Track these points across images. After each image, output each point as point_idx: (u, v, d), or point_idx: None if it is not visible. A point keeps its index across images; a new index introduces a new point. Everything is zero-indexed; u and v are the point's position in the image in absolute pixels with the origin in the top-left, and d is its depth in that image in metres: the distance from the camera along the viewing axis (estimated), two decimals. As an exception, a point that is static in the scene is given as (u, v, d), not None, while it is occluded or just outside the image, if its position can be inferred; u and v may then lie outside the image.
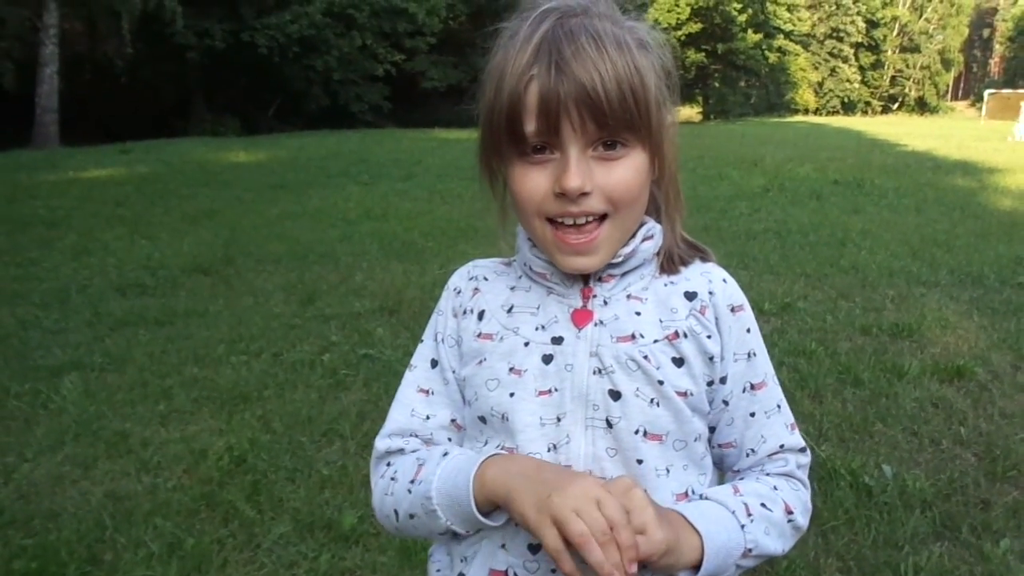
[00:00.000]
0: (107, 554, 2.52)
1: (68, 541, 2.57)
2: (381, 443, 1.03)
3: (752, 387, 1.00)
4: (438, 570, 1.04)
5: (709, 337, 0.97)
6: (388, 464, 1.01)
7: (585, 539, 0.76)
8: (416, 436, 1.02)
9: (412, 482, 0.95)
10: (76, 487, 2.96)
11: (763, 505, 0.96)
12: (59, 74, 20.97)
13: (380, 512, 1.01)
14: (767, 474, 1.01)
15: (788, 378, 3.94)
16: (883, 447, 3.28)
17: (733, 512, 0.93)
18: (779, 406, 1.02)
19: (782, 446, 1.01)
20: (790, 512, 0.98)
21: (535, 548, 0.91)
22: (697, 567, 0.87)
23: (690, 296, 0.99)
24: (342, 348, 4.44)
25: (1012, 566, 2.47)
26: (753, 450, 1.01)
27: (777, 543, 0.96)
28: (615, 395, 0.93)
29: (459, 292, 1.06)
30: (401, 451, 1.01)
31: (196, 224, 8.41)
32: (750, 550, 0.92)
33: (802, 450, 1.03)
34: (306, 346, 4.49)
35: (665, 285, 0.99)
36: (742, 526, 0.92)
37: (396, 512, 0.97)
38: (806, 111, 55.24)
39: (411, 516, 0.95)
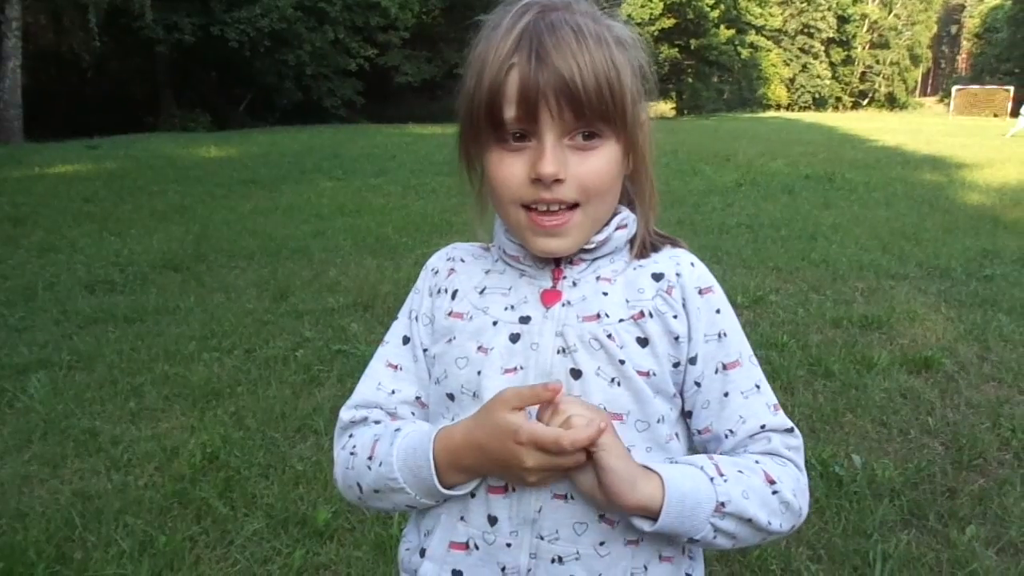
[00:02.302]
0: (77, 553, 2.49)
1: (36, 540, 2.53)
2: (346, 414, 1.05)
3: (724, 367, 0.99)
4: (407, 548, 1.05)
5: (675, 317, 0.97)
6: (350, 436, 1.03)
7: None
8: (381, 408, 1.04)
9: (370, 459, 0.97)
10: (44, 486, 2.92)
11: (739, 471, 0.93)
12: (23, 68, 20.57)
13: (343, 484, 1.03)
14: (749, 452, 0.98)
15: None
16: (853, 437, 3.33)
17: (701, 468, 0.91)
18: (758, 386, 1.00)
19: (763, 426, 0.97)
20: (772, 482, 0.93)
21: (493, 520, 0.94)
22: (658, 515, 0.87)
23: (657, 277, 1.00)
24: (316, 344, 4.42)
25: (978, 552, 2.51)
26: (732, 431, 0.98)
27: (761, 512, 0.91)
28: (576, 374, 0.94)
29: (436, 272, 1.08)
30: (365, 420, 1.04)
31: (166, 220, 8.31)
32: (723, 504, 0.88)
33: (789, 431, 0.99)
34: (279, 342, 4.45)
35: (634, 269, 1.01)
36: (711, 479, 0.90)
37: (359, 485, 0.99)
38: (778, 106, 55.82)
39: (376, 491, 0.97)
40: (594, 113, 0.88)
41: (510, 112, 0.88)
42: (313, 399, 3.68)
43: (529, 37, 0.87)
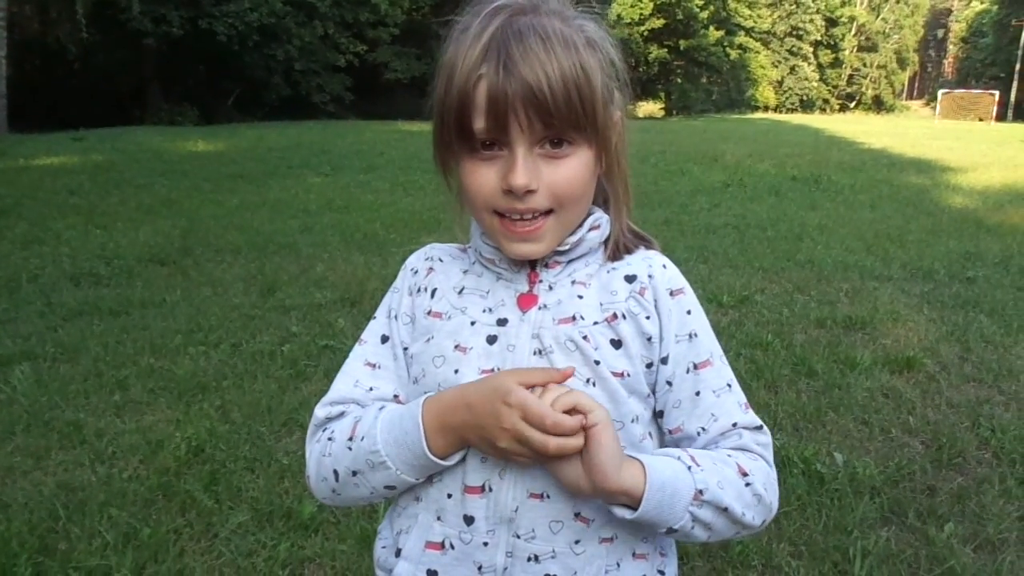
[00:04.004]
0: (60, 544, 2.48)
1: (19, 532, 2.52)
2: (321, 410, 1.04)
3: (695, 367, 0.99)
4: (383, 546, 1.06)
5: (648, 318, 0.99)
6: (325, 430, 1.03)
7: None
8: (358, 405, 1.03)
9: (351, 439, 0.97)
10: (27, 478, 2.91)
11: (714, 463, 0.94)
12: (8, 59, 20.38)
13: (316, 476, 1.01)
14: (720, 448, 0.99)
15: (745, 369, 4.02)
16: (835, 436, 3.36)
17: (678, 458, 0.93)
18: (729, 385, 1.01)
19: (735, 424, 0.98)
20: (745, 474, 0.95)
21: (470, 519, 0.95)
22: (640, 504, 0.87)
23: (630, 279, 1.01)
24: (302, 339, 4.41)
25: (955, 549, 2.55)
26: (704, 428, 0.98)
27: (736, 503, 0.92)
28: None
29: (415, 272, 1.09)
30: (341, 415, 1.03)
31: (153, 214, 8.27)
32: (701, 492, 0.90)
33: (758, 428, 1.00)
34: (266, 337, 4.45)
35: (608, 272, 1.02)
36: (688, 467, 0.91)
37: (336, 472, 0.98)
38: (766, 108, 56.06)
39: (354, 473, 0.96)
40: (563, 122, 0.88)
41: (479, 123, 0.88)
42: (299, 394, 3.67)
43: (496, 46, 0.87)
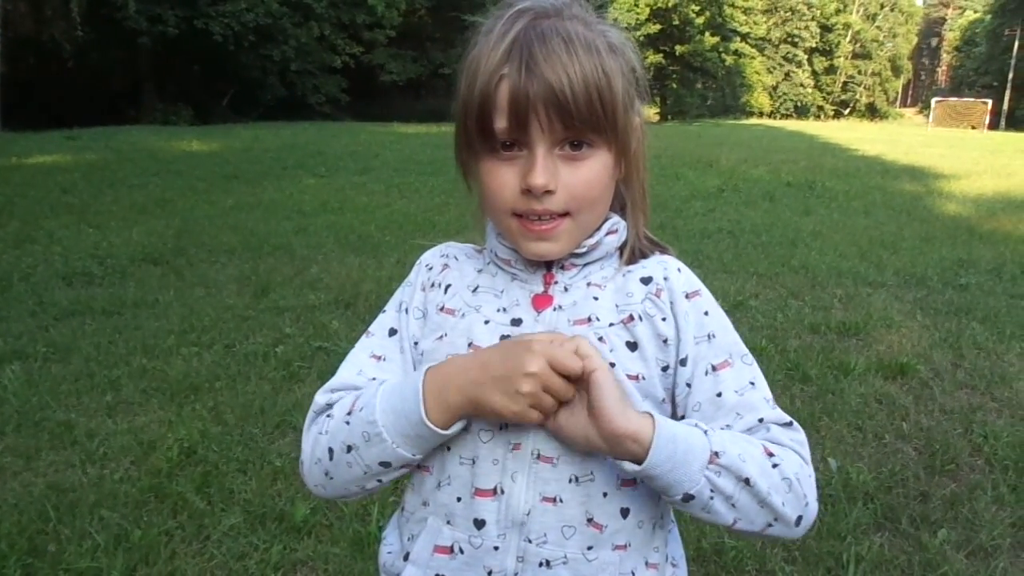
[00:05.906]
0: (50, 545, 2.46)
1: (8, 533, 2.50)
2: (321, 397, 1.01)
3: (714, 368, 0.97)
4: (389, 552, 1.04)
5: (664, 320, 0.98)
6: (328, 416, 0.99)
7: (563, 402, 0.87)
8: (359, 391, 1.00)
9: (349, 413, 0.94)
10: (17, 478, 2.88)
11: (734, 438, 0.90)
12: (1, 56, 20.32)
13: (310, 459, 0.97)
14: None
15: (739, 374, 4.02)
16: (829, 441, 3.36)
17: (695, 424, 0.90)
18: (753, 383, 0.98)
19: (761, 420, 0.95)
20: (771, 455, 0.90)
21: (480, 523, 0.93)
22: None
23: (646, 281, 1.00)
24: (296, 340, 4.40)
25: (948, 555, 2.55)
26: (728, 426, 0.95)
27: (761, 480, 0.87)
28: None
29: (430, 268, 1.08)
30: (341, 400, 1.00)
31: (146, 213, 8.23)
32: (717, 454, 0.85)
33: (788, 424, 0.96)
34: (259, 338, 4.43)
35: (624, 275, 1.02)
36: (704, 432, 0.88)
37: (330, 451, 0.94)
38: (761, 114, 56.28)
39: (348, 449, 0.93)
40: (584, 124, 0.88)
41: (500, 123, 0.89)
42: (292, 395, 3.66)
43: (520, 47, 0.87)
